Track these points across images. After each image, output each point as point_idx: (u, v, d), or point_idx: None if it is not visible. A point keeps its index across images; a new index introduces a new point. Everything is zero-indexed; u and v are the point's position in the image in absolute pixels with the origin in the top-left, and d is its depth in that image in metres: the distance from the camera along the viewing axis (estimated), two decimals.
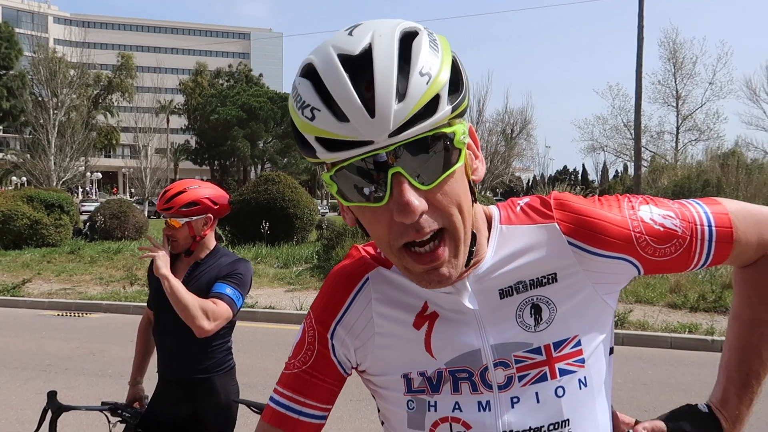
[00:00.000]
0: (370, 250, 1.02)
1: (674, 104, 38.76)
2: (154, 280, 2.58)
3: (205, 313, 2.27)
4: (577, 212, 0.93)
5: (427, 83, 0.76)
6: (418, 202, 0.77)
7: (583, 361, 0.92)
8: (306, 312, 6.66)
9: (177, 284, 2.30)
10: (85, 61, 39.76)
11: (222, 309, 2.32)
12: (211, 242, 2.58)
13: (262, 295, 10.09)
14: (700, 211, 0.96)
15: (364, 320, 0.97)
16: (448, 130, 0.79)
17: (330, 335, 0.98)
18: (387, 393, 0.98)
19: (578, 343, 0.92)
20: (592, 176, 63.78)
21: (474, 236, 0.87)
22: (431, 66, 0.77)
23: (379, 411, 1.04)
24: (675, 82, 38.49)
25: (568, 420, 0.91)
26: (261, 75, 73.31)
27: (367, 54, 0.77)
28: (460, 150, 0.80)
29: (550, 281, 0.92)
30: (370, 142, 0.75)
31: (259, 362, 5.82)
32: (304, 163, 60.76)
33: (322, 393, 0.99)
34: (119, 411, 2.52)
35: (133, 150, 43.05)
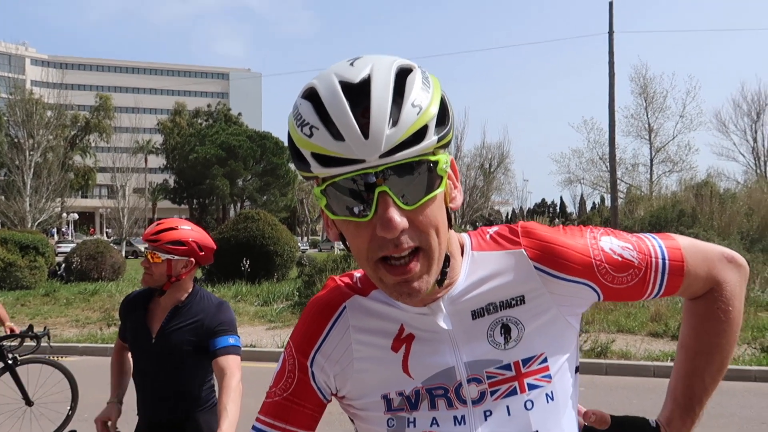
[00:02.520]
0: (347, 280, 1.07)
1: (647, 137, 39.74)
2: (131, 323, 2.54)
3: (237, 392, 2.24)
4: (543, 239, 1.01)
5: (417, 114, 0.84)
6: (400, 219, 0.84)
7: (549, 376, 0.99)
8: None
9: (231, 430, 2.17)
10: (62, 102, 39.70)
11: (236, 362, 2.35)
12: (189, 285, 2.55)
13: (242, 334, 9.81)
14: (656, 244, 1.04)
15: (343, 347, 1.01)
16: (432, 158, 0.86)
17: (310, 363, 1.02)
18: (367, 414, 1.01)
19: (545, 360, 0.99)
20: (570, 208, 64.74)
21: (447, 258, 0.93)
22: (422, 99, 0.85)
23: None
24: (647, 115, 39.57)
25: (537, 431, 0.96)
26: (240, 114, 73.63)
27: (366, 83, 0.85)
28: (441, 177, 0.88)
29: (519, 303, 0.99)
30: (362, 161, 0.82)
31: (242, 401, 5.77)
32: (284, 200, 60.79)
33: (304, 419, 1.02)
34: None
35: (111, 190, 42.68)
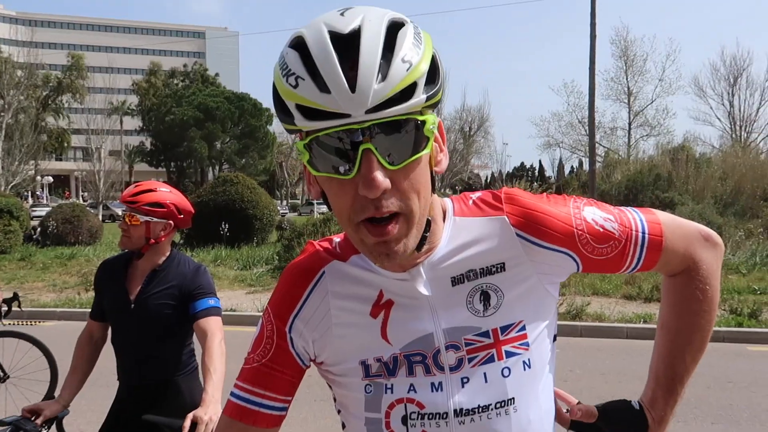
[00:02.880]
0: (326, 244, 1.06)
1: (626, 101, 39.92)
2: (109, 289, 2.51)
3: (220, 353, 2.25)
4: (526, 206, 0.99)
5: (407, 70, 0.81)
6: (383, 179, 0.82)
7: (527, 344, 0.99)
8: None
9: (218, 392, 2.16)
10: (32, 61, 38.36)
11: (217, 323, 2.35)
12: (167, 248, 2.54)
13: (222, 298, 9.84)
14: (636, 218, 1.04)
15: (322, 313, 1.00)
16: (420, 117, 0.84)
17: (288, 329, 1.01)
18: (345, 380, 1.01)
19: (523, 328, 0.99)
20: (549, 172, 65.17)
21: (429, 223, 0.92)
22: (413, 56, 0.82)
23: (335, 400, 1.08)
24: (626, 79, 39.66)
25: (513, 398, 0.97)
26: (217, 74, 72.06)
27: (356, 35, 0.81)
28: (428, 138, 0.85)
29: (499, 270, 0.98)
30: (348, 116, 0.79)
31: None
32: (263, 163, 60.17)
33: (282, 385, 1.01)
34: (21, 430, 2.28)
35: (86, 153, 41.65)
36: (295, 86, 0.82)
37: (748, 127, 42.50)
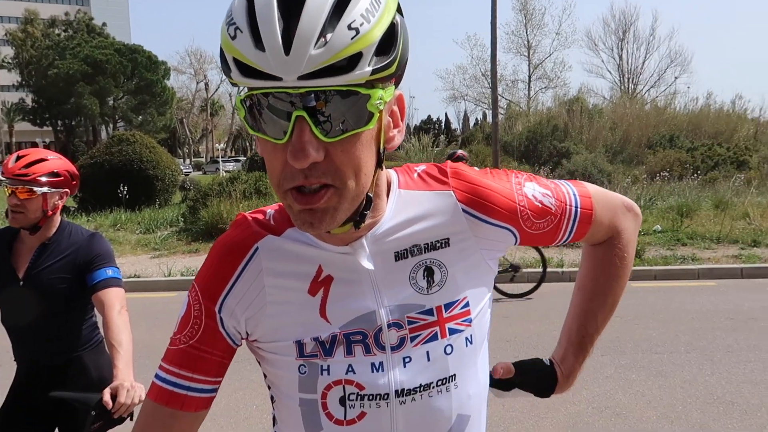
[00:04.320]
0: (258, 216, 0.99)
1: (526, 54, 41.24)
2: None
3: (121, 323, 2.16)
4: (472, 182, 0.98)
5: (352, 38, 0.74)
6: (313, 150, 0.77)
7: (470, 321, 0.99)
8: (177, 278, 6.39)
9: (129, 366, 2.08)
10: None
11: (117, 294, 2.24)
12: (58, 219, 2.38)
13: (125, 264, 9.49)
14: (570, 192, 1.06)
15: (255, 291, 0.95)
16: (363, 90, 0.77)
17: (218, 309, 0.95)
18: (277, 358, 0.97)
19: (466, 305, 0.98)
20: (455, 125, 66.55)
21: (370, 200, 0.87)
22: (362, 22, 0.75)
23: (265, 376, 1.03)
24: (526, 32, 40.89)
25: (454, 375, 0.97)
26: (104, 24, 66.51)
27: None
28: (372, 114, 0.79)
29: (443, 245, 0.97)
30: (280, 79, 0.74)
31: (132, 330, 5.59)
32: (163, 120, 57.00)
33: (211, 366, 0.96)
34: None
35: None
36: (234, 37, 0.76)
37: (635, 79, 45.39)
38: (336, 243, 0.93)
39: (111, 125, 56.18)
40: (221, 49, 0.79)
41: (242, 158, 43.43)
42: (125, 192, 14.55)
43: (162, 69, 55.98)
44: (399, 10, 0.84)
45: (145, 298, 7.70)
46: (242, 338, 0.99)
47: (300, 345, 0.94)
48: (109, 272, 2.28)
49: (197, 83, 65.99)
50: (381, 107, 0.80)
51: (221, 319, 0.95)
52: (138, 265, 9.52)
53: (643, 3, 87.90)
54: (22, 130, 60.24)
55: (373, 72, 0.77)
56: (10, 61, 61.20)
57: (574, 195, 1.06)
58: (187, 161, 58.35)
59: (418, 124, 59.98)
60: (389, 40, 0.79)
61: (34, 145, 57.41)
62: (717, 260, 8.68)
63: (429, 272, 0.96)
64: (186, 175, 21.14)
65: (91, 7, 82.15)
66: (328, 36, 0.73)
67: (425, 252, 0.96)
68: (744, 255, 8.86)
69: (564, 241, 1.08)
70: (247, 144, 71.35)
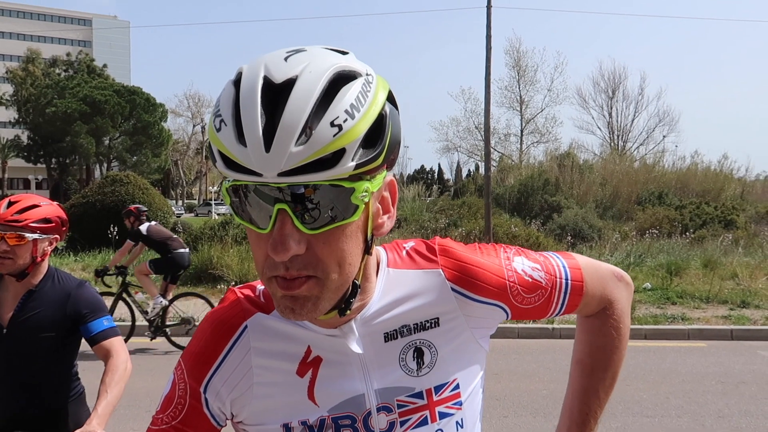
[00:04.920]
0: (248, 292, 0.98)
1: (518, 108, 42.12)
2: None
3: (125, 372, 2.19)
4: (460, 260, 0.98)
5: (334, 135, 0.73)
6: (294, 243, 0.76)
7: (460, 403, 0.97)
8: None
9: (106, 416, 2.08)
10: None
11: (120, 343, 2.28)
12: (46, 264, 2.36)
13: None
14: (560, 264, 1.06)
15: (242, 370, 0.93)
16: (347, 184, 0.76)
17: (203, 389, 0.93)
18: None
19: (457, 387, 0.97)
20: (447, 175, 67.22)
21: (356, 287, 0.86)
22: (347, 118, 0.74)
23: None
24: (519, 88, 41.89)
25: None
26: (105, 66, 67.54)
27: (288, 86, 0.74)
28: (357, 206, 0.78)
29: (433, 325, 0.95)
30: (261, 174, 0.74)
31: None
32: (157, 161, 57.23)
33: None
34: None
35: None
36: (218, 130, 0.76)
37: (624, 137, 46.30)
38: (324, 326, 0.91)
39: (105, 164, 56.29)
40: (208, 140, 0.81)
41: None
42: (115, 233, 14.46)
43: (160, 111, 56.58)
44: (390, 98, 0.83)
45: (131, 343, 7.55)
46: (227, 419, 0.96)
47: (287, 429, 0.92)
48: (105, 322, 2.29)
49: (194, 126, 66.74)
50: (366, 199, 0.78)
51: (206, 399, 0.93)
52: (125, 308, 9.36)
53: (630, 63, 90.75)
54: (16, 167, 60.21)
55: (357, 167, 0.75)
56: (8, 98, 61.73)
57: (564, 267, 1.05)
58: (180, 203, 58.33)
59: (411, 174, 60.56)
60: (376, 133, 0.78)
61: (27, 181, 57.24)
62: (707, 320, 8.67)
63: (419, 353, 0.95)
64: (178, 217, 21.09)
65: (93, 49, 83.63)
66: (310, 132, 0.73)
67: (415, 332, 0.95)
68: (734, 316, 8.87)
69: (556, 314, 1.07)
70: None
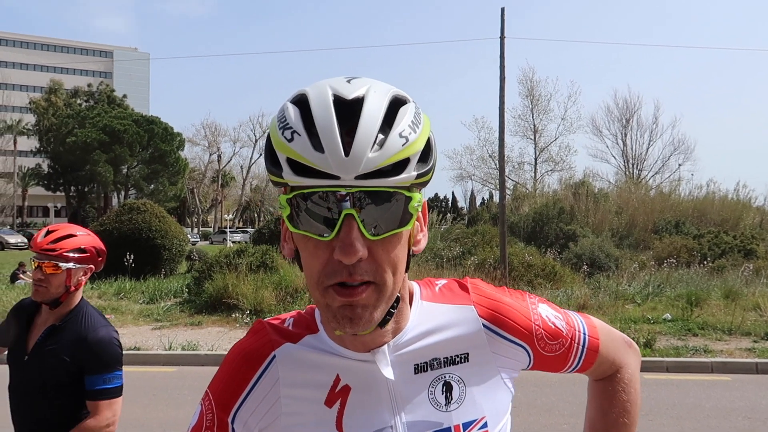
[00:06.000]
0: (276, 323, 0.99)
1: (532, 137, 42.17)
2: (14, 329, 2.31)
3: None
4: (492, 298, 1.01)
5: (402, 145, 0.81)
6: (361, 246, 0.80)
7: None
8: (177, 352, 6.27)
9: None
10: None
11: (110, 407, 2.21)
12: (79, 295, 2.36)
13: (126, 334, 9.35)
14: (579, 320, 1.09)
15: (270, 401, 0.93)
16: (407, 193, 0.83)
17: (231, 419, 0.93)
18: None
19: (485, 425, 0.96)
20: (461, 203, 67.17)
21: (398, 299, 0.89)
22: (410, 132, 0.82)
23: None
24: (532, 117, 42.01)
25: None
26: (125, 96, 69.08)
27: (359, 102, 0.82)
28: (412, 215, 0.84)
29: (462, 360, 0.96)
30: (337, 178, 0.78)
31: (124, 410, 5.40)
32: (174, 189, 57.93)
33: None
34: None
35: None
36: (290, 140, 0.80)
37: (639, 165, 46.11)
38: (357, 349, 0.91)
39: (123, 192, 57.05)
40: (272, 150, 0.83)
41: (250, 229, 43.70)
42: (131, 260, 14.57)
43: (177, 140, 57.50)
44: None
45: (144, 372, 7.52)
46: None
47: None
48: (103, 382, 2.21)
49: (210, 155, 67.65)
50: (419, 209, 0.85)
51: (233, 430, 0.93)
52: (139, 336, 9.38)
53: (645, 92, 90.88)
54: (35, 195, 61.22)
55: (417, 177, 0.83)
56: (30, 128, 63.13)
57: (582, 323, 1.09)
58: (195, 230, 58.73)
59: (425, 201, 60.66)
60: (428, 151, 0.86)
61: (46, 209, 58.05)
62: (730, 353, 8.45)
63: (448, 388, 0.95)
64: (193, 244, 21.23)
65: (113, 80, 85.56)
66: (383, 142, 0.80)
67: (445, 366, 0.95)
68: (758, 348, 8.64)
69: (572, 369, 1.08)
70: (255, 215, 72.02)
